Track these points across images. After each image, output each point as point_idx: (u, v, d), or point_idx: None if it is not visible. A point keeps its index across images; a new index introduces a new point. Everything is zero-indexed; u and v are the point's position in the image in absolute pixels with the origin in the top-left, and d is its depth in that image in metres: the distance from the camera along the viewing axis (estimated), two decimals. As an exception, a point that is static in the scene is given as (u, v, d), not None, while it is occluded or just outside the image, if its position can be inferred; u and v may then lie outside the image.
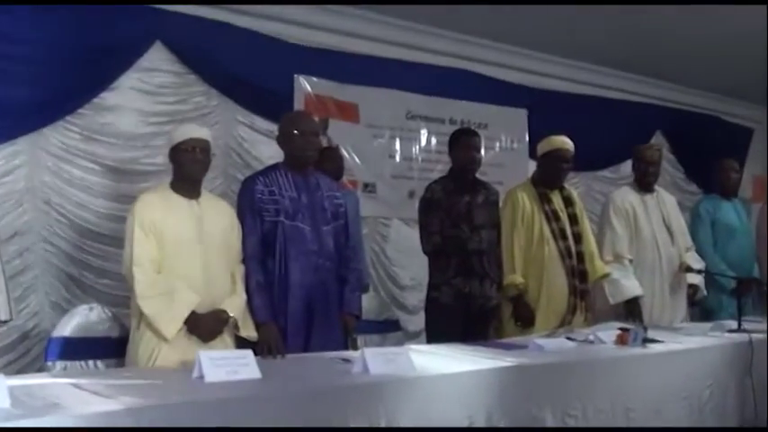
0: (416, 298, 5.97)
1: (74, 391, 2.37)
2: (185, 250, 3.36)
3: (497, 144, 7.11)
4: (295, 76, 5.93)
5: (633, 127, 7.78)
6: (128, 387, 2.45)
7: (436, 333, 4.31)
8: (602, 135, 7.40)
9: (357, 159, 6.26)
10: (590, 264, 4.64)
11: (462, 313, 4.33)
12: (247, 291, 3.51)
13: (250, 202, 3.64)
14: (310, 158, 3.80)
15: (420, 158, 6.64)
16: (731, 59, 7.23)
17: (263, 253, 3.61)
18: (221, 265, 3.46)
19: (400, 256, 6.38)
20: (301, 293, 3.62)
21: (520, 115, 7.27)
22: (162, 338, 3.24)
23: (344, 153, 5.93)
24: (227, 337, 3.42)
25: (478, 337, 4.07)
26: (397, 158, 6.53)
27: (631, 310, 4.76)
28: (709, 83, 8.31)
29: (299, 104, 5.88)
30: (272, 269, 3.61)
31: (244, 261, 3.57)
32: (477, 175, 4.59)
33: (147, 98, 5.25)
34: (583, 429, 3.18)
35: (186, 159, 3.45)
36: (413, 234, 4.76)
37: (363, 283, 4.88)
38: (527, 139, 7.20)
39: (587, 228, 4.74)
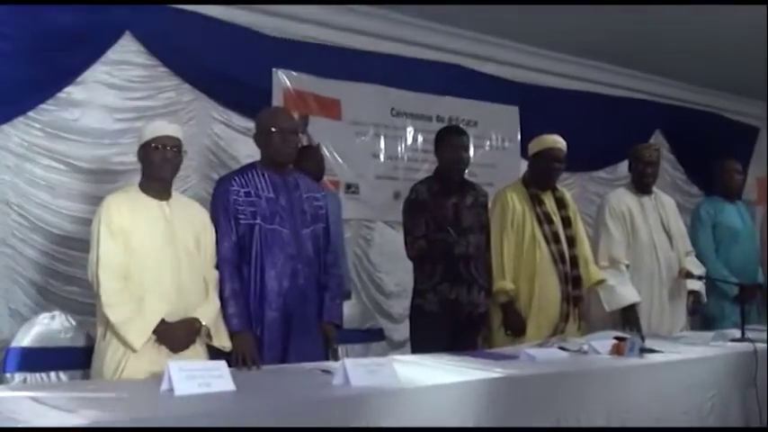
0: (401, 305, 5.98)
1: (32, 405, 2.33)
2: (155, 255, 3.34)
3: (487, 143, 7.12)
4: (273, 70, 5.93)
5: (631, 125, 7.84)
6: (91, 400, 2.41)
7: (421, 343, 4.31)
8: (597, 134, 7.46)
9: (339, 158, 6.24)
10: (584, 269, 4.65)
11: (449, 321, 4.32)
12: (221, 298, 3.50)
13: (225, 204, 3.64)
14: (289, 157, 3.80)
15: (405, 158, 6.64)
16: (734, 55, 7.24)
17: (239, 258, 3.60)
18: (193, 270, 3.43)
19: (384, 261, 6.40)
20: (279, 301, 3.61)
21: (511, 112, 7.28)
22: (129, 348, 3.20)
23: (325, 152, 5.93)
24: (199, 348, 3.39)
25: (466, 347, 4.07)
26: (382, 158, 6.53)
27: (628, 318, 4.76)
28: (712, 79, 8.33)
29: (277, 100, 5.87)
30: (247, 275, 3.60)
31: (217, 266, 3.56)
32: (466, 176, 4.61)
33: (116, 93, 5.24)
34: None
35: (156, 158, 3.43)
36: (398, 238, 4.76)
37: (345, 289, 4.86)
38: (519, 137, 7.21)
39: (581, 231, 4.76)
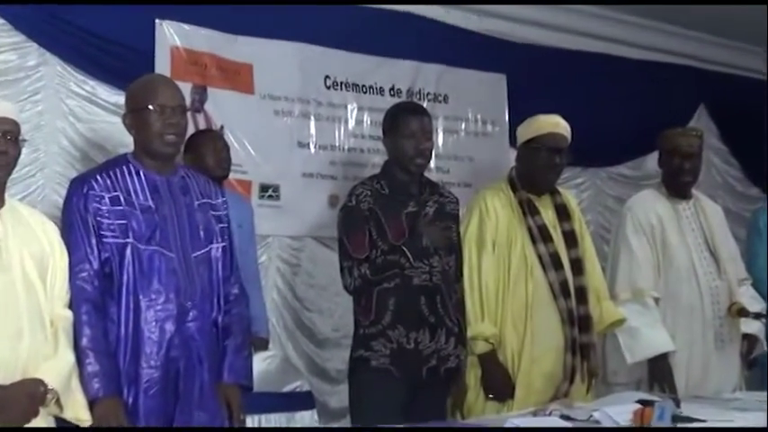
0: (341, 358, 5.91)
1: None
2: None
3: (462, 126, 7.16)
4: (157, 21, 5.90)
5: (663, 101, 7.89)
6: None
7: (365, 411, 4.32)
8: (617, 113, 7.53)
9: (250, 149, 6.22)
10: (596, 305, 4.70)
11: (405, 381, 4.31)
12: (77, 350, 3.46)
13: (82, 216, 3.61)
14: (174, 147, 3.78)
15: (346, 147, 6.65)
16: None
17: (102, 292, 3.58)
18: (33, 310, 3.38)
19: (316, 296, 6.42)
20: (160, 354, 3.59)
21: (496, 83, 7.33)
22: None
23: (231, 139, 5.89)
24: (43, 421, 3.34)
25: (429, 417, 4.06)
26: (312, 147, 6.52)
27: (657, 373, 4.80)
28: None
29: (162, 65, 5.84)
30: (115, 317, 3.58)
31: (71, 305, 3.52)
32: (429, 174, 4.62)
33: None
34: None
35: (-22, 152, 3.44)
36: (335, 261, 4.75)
37: (258, 336, 4.85)
38: (506, 118, 7.26)
39: (591, 251, 4.82)
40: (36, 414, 3.30)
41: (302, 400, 4.76)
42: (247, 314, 3.99)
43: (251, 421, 4.20)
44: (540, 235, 4.61)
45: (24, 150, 3.62)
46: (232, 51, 6.18)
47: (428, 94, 6.83)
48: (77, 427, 3.44)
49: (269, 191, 6.30)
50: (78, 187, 3.68)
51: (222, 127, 5.85)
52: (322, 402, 5.39)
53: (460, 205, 4.69)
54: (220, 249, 3.82)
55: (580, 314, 4.58)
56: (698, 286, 5.04)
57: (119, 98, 5.37)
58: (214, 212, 3.84)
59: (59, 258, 3.54)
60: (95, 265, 3.58)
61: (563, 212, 4.73)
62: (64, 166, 5.57)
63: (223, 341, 3.78)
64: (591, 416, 3.82)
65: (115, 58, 5.70)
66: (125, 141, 4.26)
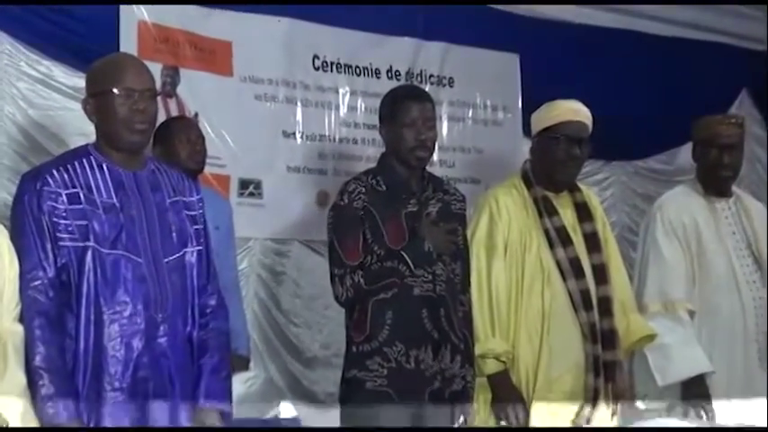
0: (331, 379, 5.93)
1: None
2: None
3: (469, 114, 7.23)
4: (122, -9, 5.98)
5: (699, 84, 7.84)
6: None
7: (360, 440, 4.27)
8: (644, 99, 7.51)
9: (228, 138, 6.28)
10: (622, 318, 4.70)
11: (404, 406, 4.28)
12: (29, 370, 3.45)
13: (35, 216, 3.58)
14: (141, 137, 3.75)
15: (337, 137, 6.72)
16: None
17: (58, 304, 3.55)
18: (-21, 325, 3.40)
19: (303, 308, 6.50)
20: (126, 374, 3.58)
21: (508, 64, 7.40)
22: None
23: (206, 127, 5.91)
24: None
25: (433, 447, 4.09)
26: (298, 137, 6.59)
27: (693, 397, 4.80)
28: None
29: (128, 42, 5.89)
30: (73, 332, 3.56)
31: (22, 319, 3.51)
32: (431, 168, 4.60)
33: None
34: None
35: None
36: (324, 268, 4.75)
37: (237, 354, 4.84)
38: (520, 104, 7.32)
39: (617, 256, 4.85)
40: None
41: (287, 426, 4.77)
42: (226, 329, 3.95)
43: (228, 451, 4.20)
44: (558, 238, 4.62)
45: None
46: (208, 27, 6.21)
47: (431, 76, 6.88)
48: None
49: (249, 187, 6.33)
50: (31, 183, 3.64)
51: (197, 114, 5.89)
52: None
53: (468, 204, 4.67)
54: (195, 254, 3.80)
55: (604, 328, 4.58)
56: (739, 297, 5.04)
57: (78, 81, 5.41)
58: (188, 212, 3.82)
59: (9, 266, 3.52)
60: (50, 272, 3.55)
61: (584, 212, 4.74)
62: (14, 159, 5.58)
63: (198, 360, 3.76)
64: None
65: (74, 34, 5.73)
66: (85, 130, 4.25)
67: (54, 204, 3.58)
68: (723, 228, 5.10)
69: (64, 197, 3.60)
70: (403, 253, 4.33)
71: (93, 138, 3.81)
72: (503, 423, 4.48)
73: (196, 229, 3.84)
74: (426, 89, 5.51)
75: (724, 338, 5.00)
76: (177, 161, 4.80)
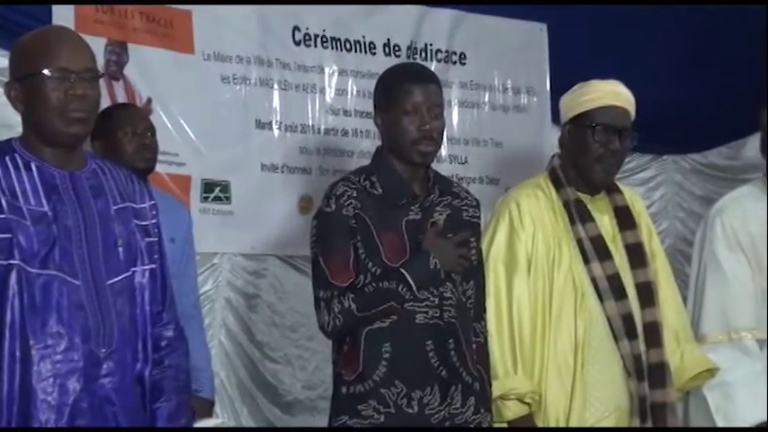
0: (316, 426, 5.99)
1: None
2: None
3: (485, 97, 7.28)
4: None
5: (764, 64, 7.82)
6: None
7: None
8: (701, 80, 7.56)
9: (189, 130, 6.34)
10: (675, 349, 4.70)
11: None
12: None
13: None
14: (80, 128, 3.74)
15: (322, 128, 6.75)
16: None
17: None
18: None
19: (282, 339, 6.56)
20: (60, 422, 3.58)
21: (533, 37, 7.50)
22: None
23: (162, 117, 5.96)
24: None
25: None
26: (275, 128, 6.66)
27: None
28: None
29: (63, 13, 6.00)
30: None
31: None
32: (437, 166, 4.61)
33: None
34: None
35: None
36: (307, 290, 4.79)
37: (198, 396, 4.89)
38: (548, 85, 7.37)
39: (667, 273, 4.84)
40: None
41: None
42: (186, 366, 3.95)
43: None
44: (593, 250, 4.61)
45: None
46: (163, -6, 6.00)
47: (438, 51, 6.91)
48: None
49: (215, 190, 6.36)
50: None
51: (150, 100, 5.91)
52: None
53: (483, 210, 4.63)
54: (147, 274, 3.80)
55: (651, 362, 4.55)
56: (820, 323, 4.84)
57: (1, 60, 5.43)
58: (139, 222, 3.82)
59: None
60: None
61: (626, 218, 4.73)
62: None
63: (152, 404, 3.77)
64: None
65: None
66: (10, 121, 4.31)
67: (-27, 213, 3.40)
68: (800, 239, 4.87)
69: (-14, 204, 3.42)
70: (403, 271, 4.30)
71: (19, 130, 3.81)
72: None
73: (148, 242, 3.83)
74: (432, 68, 5.57)
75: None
76: (121, 158, 4.81)
